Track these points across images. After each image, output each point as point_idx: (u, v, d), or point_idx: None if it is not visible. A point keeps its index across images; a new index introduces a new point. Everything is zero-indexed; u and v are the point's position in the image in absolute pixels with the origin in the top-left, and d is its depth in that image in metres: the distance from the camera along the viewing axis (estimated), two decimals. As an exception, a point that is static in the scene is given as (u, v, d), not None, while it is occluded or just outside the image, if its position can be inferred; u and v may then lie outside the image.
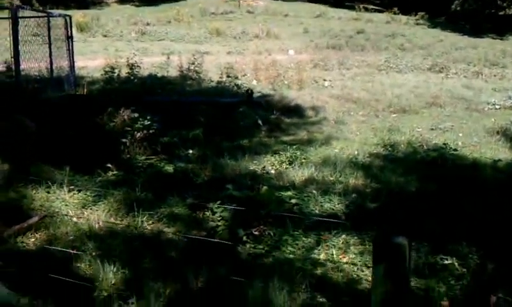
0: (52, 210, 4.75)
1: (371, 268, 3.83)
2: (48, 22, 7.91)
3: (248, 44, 23.56)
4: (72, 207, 4.88)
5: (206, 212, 4.61)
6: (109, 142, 6.14)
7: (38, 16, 8.43)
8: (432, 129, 8.45)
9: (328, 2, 33.95)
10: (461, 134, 8.09)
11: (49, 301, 3.29)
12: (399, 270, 1.83)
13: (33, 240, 4.20)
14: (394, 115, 9.74)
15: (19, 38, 6.60)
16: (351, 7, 32.56)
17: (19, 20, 6.57)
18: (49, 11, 9.82)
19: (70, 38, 8.33)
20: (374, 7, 33.04)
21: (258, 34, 25.80)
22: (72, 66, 8.38)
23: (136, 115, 7.08)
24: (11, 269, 3.54)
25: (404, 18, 29.04)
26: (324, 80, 12.76)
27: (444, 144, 6.74)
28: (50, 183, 5.15)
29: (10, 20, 6.50)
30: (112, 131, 6.44)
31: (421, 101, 10.77)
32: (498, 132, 8.19)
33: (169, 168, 5.85)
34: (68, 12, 29.19)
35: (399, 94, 11.30)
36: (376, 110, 9.99)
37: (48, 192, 5.08)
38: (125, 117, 6.36)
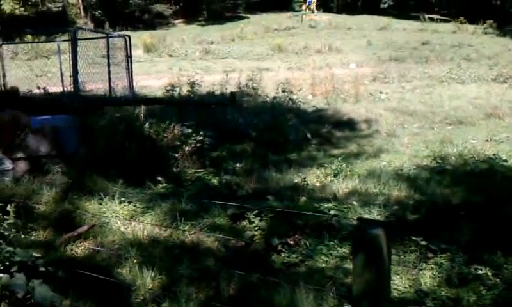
0: (102, 221, 5.06)
1: (399, 276, 3.89)
2: (107, 42, 8.39)
3: (309, 59, 23.65)
4: (121, 218, 5.17)
5: (244, 222, 4.78)
6: (161, 156, 6.45)
7: (97, 38, 8.98)
8: (486, 140, 8.25)
9: (392, 14, 33.57)
10: (517, 146, 7.87)
11: (89, 303, 3.55)
12: (376, 260, 1.90)
13: (82, 248, 4.51)
14: (450, 127, 9.57)
15: (77, 58, 7.07)
16: (416, 18, 32.06)
17: (78, 41, 7.06)
18: (109, 32, 10.37)
19: (129, 57, 8.79)
20: (440, 17, 32.36)
21: (320, 49, 25.89)
22: (130, 85, 8.84)
23: (190, 131, 7.41)
24: (58, 274, 3.83)
25: (471, 27, 28.26)
26: (381, 93, 12.68)
27: (493, 155, 6.59)
28: (102, 195, 5.48)
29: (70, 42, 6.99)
30: (164, 145, 6.74)
31: (479, 112, 10.51)
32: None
33: (215, 181, 6.07)
34: (136, 33, 30.56)
35: (456, 106, 11.07)
36: (432, 123, 9.85)
37: (101, 204, 5.41)
38: (175, 132, 6.65)
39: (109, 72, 8.40)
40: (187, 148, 6.53)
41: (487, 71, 17.60)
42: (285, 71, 20.27)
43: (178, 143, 6.62)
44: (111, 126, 7.26)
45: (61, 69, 9.60)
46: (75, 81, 7.37)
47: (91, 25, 34.46)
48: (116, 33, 10.89)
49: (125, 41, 8.69)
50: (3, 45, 10.61)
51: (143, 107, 7.68)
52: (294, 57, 24.16)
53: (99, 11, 35.81)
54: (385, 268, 1.92)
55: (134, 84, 14.25)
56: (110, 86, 8.67)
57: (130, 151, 6.46)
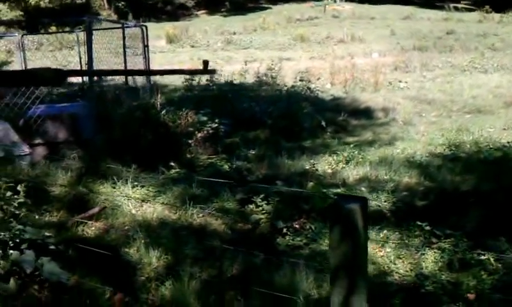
0: (114, 204, 5.19)
1: (402, 260, 3.92)
2: (123, 32, 8.51)
3: (331, 49, 23.56)
4: (133, 201, 5.29)
5: (251, 206, 4.85)
6: (174, 143, 6.55)
7: (113, 27, 9.10)
8: (504, 129, 8.15)
9: (417, 3, 33.17)
10: (534, 134, 7.76)
11: (95, 279, 3.67)
12: (352, 233, 1.96)
13: (92, 228, 4.64)
14: (468, 116, 9.47)
15: (92, 47, 7.21)
16: (441, 8, 31.63)
17: (94, 32, 7.18)
18: (125, 21, 10.49)
19: (146, 46, 8.90)
20: (465, 6, 31.85)
21: (342, 39, 25.77)
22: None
23: (205, 118, 7.52)
24: (67, 252, 3.96)
25: (497, 16, 27.77)
26: (400, 81, 12.59)
27: (508, 143, 6.53)
28: (116, 179, 5.61)
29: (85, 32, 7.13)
30: (178, 132, 6.84)
31: (499, 101, 10.38)
32: None
33: (227, 167, 6.15)
34: (159, 24, 30.73)
35: (476, 94, 10.94)
36: (450, 111, 9.77)
37: (114, 187, 5.53)
38: (189, 119, 6.75)
39: (125, 61, 8.52)
40: (199, 134, 6.62)
41: (511, 61, 17.31)
42: (306, 60, 20.26)
43: (192, 130, 6.71)
44: (127, 113, 7.40)
45: (80, 59, 9.77)
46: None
47: (114, 17, 34.87)
48: (132, 23, 11.01)
49: (142, 30, 8.80)
50: (24, 36, 10.83)
51: (159, 95, 7.76)
52: (316, 47, 24.09)
53: (122, 3, 36.18)
54: (361, 242, 1.97)
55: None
56: (126, 76, 8.80)
57: (145, 137, 6.57)
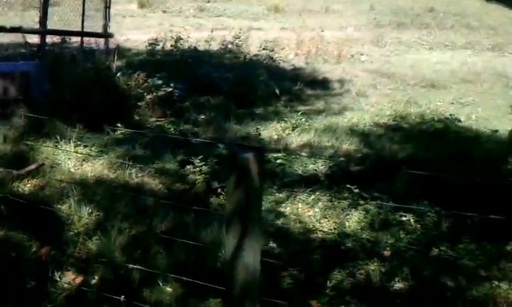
0: (55, 161, 5.22)
1: (327, 220, 4.07)
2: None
3: (304, 21, 23.47)
4: (74, 160, 5.33)
5: (188, 167, 4.95)
6: (124, 104, 6.57)
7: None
8: (452, 103, 8.36)
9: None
10: (480, 109, 7.98)
11: (24, 234, 3.74)
12: (245, 181, 2.05)
13: (29, 185, 4.68)
14: (423, 90, 9.67)
15: (47, 7, 7.14)
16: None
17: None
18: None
19: (107, 8, 8.79)
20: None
21: (319, 11, 25.67)
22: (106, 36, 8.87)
23: (160, 82, 7.55)
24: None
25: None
26: (361, 54, 12.71)
27: (450, 115, 6.72)
28: (58, 138, 5.63)
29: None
30: (130, 95, 6.86)
31: (457, 77, 10.60)
32: (521, 107, 8.04)
33: (174, 129, 6.22)
34: (132, -12, 29.89)
35: (438, 70, 11.15)
36: (406, 85, 9.95)
37: (56, 146, 5.56)
38: (140, 80, 6.77)
39: (83, 22, 8.44)
40: (148, 96, 6.66)
41: (482, 40, 17.57)
42: (277, 31, 20.19)
43: (140, 91, 6.73)
44: (80, 74, 7.38)
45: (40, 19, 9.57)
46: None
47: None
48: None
49: (103, -10, 8.69)
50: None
51: (115, 57, 7.74)
52: (289, 18, 23.93)
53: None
54: (254, 190, 2.07)
55: (119, 37, 14.32)
56: (82, 36, 8.73)
57: (95, 98, 6.57)
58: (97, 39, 8.96)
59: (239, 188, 2.10)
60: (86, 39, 9.31)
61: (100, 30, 8.90)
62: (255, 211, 2.17)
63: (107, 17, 9.14)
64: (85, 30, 8.59)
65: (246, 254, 2.12)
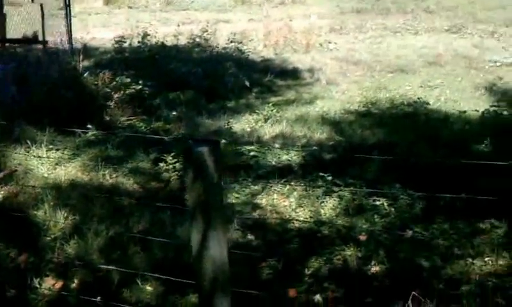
0: (27, 167, 5.17)
1: (303, 208, 4.11)
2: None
3: (271, 11, 23.45)
4: (47, 164, 5.28)
5: (161, 164, 4.95)
6: (93, 105, 6.52)
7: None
8: (421, 86, 8.50)
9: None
10: (448, 91, 8.12)
11: (4, 242, 3.71)
12: (203, 174, 2.07)
13: (2, 192, 4.63)
14: (391, 75, 9.77)
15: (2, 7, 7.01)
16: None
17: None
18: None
19: (67, 6, 8.67)
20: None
21: (283, 1, 25.71)
22: (69, 36, 8.76)
23: (129, 80, 7.50)
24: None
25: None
26: (329, 42, 12.80)
27: (418, 98, 6.84)
28: (29, 143, 5.56)
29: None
30: (98, 94, 6.80)
31: (422, 61, 10.73)
32: (486, 88, 8.20)
33: (144, 128, 6.20)
34: (96, -14, 29.46)
35: (402, 54, 11.28)
36: (374, 71, 10.04)
37: (28, 152, 5.50)
38: (106, 79, 6.72)
39: (43, 22, 8.31)
40: (116, 95, 6.62)
41: (442, 22, 17.81)
42: (245, 22, 20.18)
43: (108, 91, 6.68)
44: (46, 76, 7.28)
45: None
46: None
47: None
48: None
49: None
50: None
51: (81, 57, 7.64)
52: (256, 9, 23.94)
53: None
54: (212, 182, 2.09)
55: (84, 35, 14.15)
56: (44, 38, 8.60)
57: (63, 100, 6.50)
58: (62, 39, 8.85)
59: (197, 182, 2.11)
60: (50, 40, 9.20)
61: (64, 29, 8.80)
62: (216, 203, 2.18)
63: (68, 16, 9.03)
64: (47, 30, 8.48)
65: (212, 247, 2.13)
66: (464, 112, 6.52)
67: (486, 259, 3.51)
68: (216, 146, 2.09)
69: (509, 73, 9.57)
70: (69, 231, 3.94)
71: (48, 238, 3.87)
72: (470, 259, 3.51)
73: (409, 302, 2.85)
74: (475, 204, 4.02)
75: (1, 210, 4.25)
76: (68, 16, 8.56)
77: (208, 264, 2.15)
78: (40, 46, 8.74)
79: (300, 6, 24.64)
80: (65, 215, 4.12)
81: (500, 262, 3.47)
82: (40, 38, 8.89)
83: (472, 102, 7.41)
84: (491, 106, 6.33)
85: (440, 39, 14.03)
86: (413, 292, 2.88)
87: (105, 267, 3.38)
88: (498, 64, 10.43)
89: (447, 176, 4.45)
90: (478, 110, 6.55)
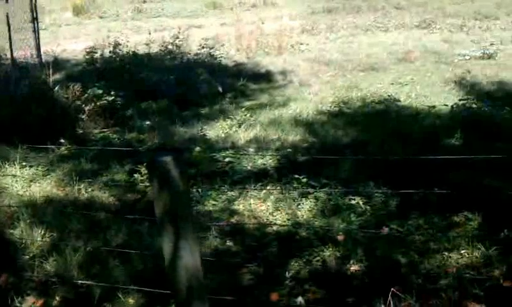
0: (2, 186, 5.11)
1: (280, 212, 4.14)
2: (7, 2, 8.13)
3: (243, 14, 23.45)
4: (21, 182, 5.22)
5: (136, 175, 4.94)
6: (65, 119, 6.47)
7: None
8: (392, 84, 8.62)
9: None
10: (418, 87, 8.25)
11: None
12: (168, 184, 2.09)
13: (-24, 213, 4.57)
14: (362, 73, 9.90)
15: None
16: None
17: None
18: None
19: (35, 19, 8.58)
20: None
21: (255, 4, 25.76)
22: (38, 49, 8.68)
23: (100, 91, 7.45)
24: None
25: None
26: (301, 44, 12.89)
27: (388, 96, 6.95)
28: (1, 163, 5.50)
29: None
30: (69, 107, 6.75)
31: (392, 58, 10.90)
32: (455, 82, 8.36)
33: (118, 139, 6.17)
34: (65, -5, 29.14)
35: (372, 53, 11.42)
36: (345, 70, 10.15)
37: (0, 170, 5.44)
38: (76, 92, 6.68)
39: (10, 37, 8.21)
40: (87, 107, 6.58)
41: (412, 18, 18.07)
42: (217, 27, 20.17)
43: (80, 103, 6.64)
44: (16, 92, 7.21)
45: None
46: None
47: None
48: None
49: (30, 1, 8.45)
50: None
51: (51, 70, 7.57)
52: (228, 13, 23.90)
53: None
54: (179, 191, 2.11)
55: (54, 48, 14.00)
56: (12, 52, 8.50)
57: (34, 115, 6.44)
58: (31, 53, 8.76)
59: (163, 192, 2.13)
60: (20, 53, 9.10)
61: (33, 43, 8.71)
62: (184, 211, 2.20)
63: (36, 29, 8.93)
64: (17, 44, 8.39)
65: (184, 255, 2.15)
66: (434, 107, 6.64)
67: (462, 251, 3.57)
68: (179, 155, 2.11)
69: (477, 66, 9.78)
70: (47, 248, 3.91)
71: (27, 257, 3.84)
72: (447, 253, 3.57)
73: (389, 298, 2.90)
74: (448, 198, 4.14)
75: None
76: (36, 29, 8.47)
77: (182, 272, 2.17)
78: (8, 61, 8.63)
79: (272, 8, 24.76)
80: (42, 232, 4.08)
81: (476, 254, 3.53)
82: (7, 52, 8.77)
83: (442, 97, 7.55)
84: (460, 100, 6.45)
85: (410, 36, 14.25)
86: (392, 289, 2.93)
87: (86, 282, 3.36)
88: (467, 57, 10.64)
89: (418, 172, 4.53)
90: (447, 105, 6.68)
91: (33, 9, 8.54)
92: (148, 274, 3.43)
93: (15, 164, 5.49)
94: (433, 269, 3.42)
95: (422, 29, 15.80)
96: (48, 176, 5.30)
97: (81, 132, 6.39)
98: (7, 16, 8.03)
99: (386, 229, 3.89)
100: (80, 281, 3.39)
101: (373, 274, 3.39)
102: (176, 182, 2.07)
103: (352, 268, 3.51)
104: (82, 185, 4.90)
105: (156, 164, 2.07)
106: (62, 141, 6.00)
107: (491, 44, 11.54)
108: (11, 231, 4.21)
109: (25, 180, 5.26)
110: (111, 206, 4.63)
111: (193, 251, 2.17)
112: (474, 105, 6.26)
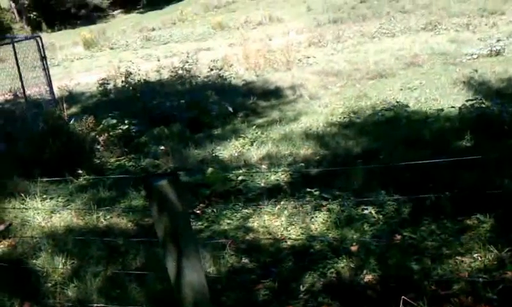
0: (23, 219, 5.27)
1: (294, 226, 4.21)
2: (13, 47, 8.38)
3: (250, 33, 23.73)
4: (43, 214, 5.37)
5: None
6: (81, 150, 6.62)
7: (3, 43, 8.97)
8: (401, 89, 8.65)
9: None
10: (427, 90, 8.27)
11: (3, 293, 3.80)
12: (166, 206, 2.18)
13: (1, 246, 4.72)
14: (371, 81, 9.95)
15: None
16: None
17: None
18: (15, 35, 10.23)
19: (44, 58, 8.82)
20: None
21: (261, 21, 26.00)
22: (50, 86, 8.91)
23: (115, 121, 7.63)
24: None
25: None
26: (308, 57, 12.99)
27: (397, 102, 6.99)
28: (23, 196, 5.66)
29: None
30: (85, 139, 6.92)
31: (400, 63, 10.92)
32: (464, 82, 8.36)
33: (133, 166, 6.31)
34: (76, 30, 29.87)
35: (379, 60, 11.46)
36: (354, 80, 10.21)
37: (23, 204, 5.60)
38: (89, 124, 6.85)
39: (21, 77, 8.43)
40: (101, 138, 6.75)
41: (417, 21, 18.06)
42: (225, 48, 20.39)
43: (95, 134, 6.81)
44: (33, 128, 7.42)
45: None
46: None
47: (28, 29, 33.82)
48: (23, 35, 10.73)
49: (36, 42, 8.70)
50: None
51: (64, 105, 7.78)
52: (235, 33, 24.18)
53: (34, 13, 35.10)
54: (177, 211, 2.19)
55: (68, 82, 14.30)
56: (24, 92, 8.72)
57: (52, 149, 6.61)
58: (46, 89, 9.00)
59: (163, 215, 2.21)
60: (34, 90, 9.36)
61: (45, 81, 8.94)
62: (185, 231, 2.27)
63: (46, 67, 9.18)
64: (30, 82, 8.63)
65: (188, 274, 2.23)
66: (442, 110, 6.66)
67: (475, 255, 3.58)
68: (174, 178, 2.20)
69: (486, 64, 9.76)
70: (68, 275, 4.04)
71: (49, 285, 3.96)
72: (459, 257, 3.57)
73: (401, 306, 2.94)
74: (460, 201, 4.16)
75: (1, 262, 4.34)
76: (45, 67, 8.71)
77: (188, 291, 2.25)
78: (23, 99, 8.87)
79: (278, 24, 24.95)
80: (63, 260, 4.21)
81: (488, 257, 3.52)
82: (19, 92, 9.03)
83: (451, 98, 7.56)
84: (467, 100, 6.46)
85: (417, 39, 14.26)
86: (403, 297, 2.97)
87: (106, 306, 3.46)
88: (474, 56, 10.63)
89: (429, 177, 4.57)
90: (454, 107, 6.70)
91: (40, 49, 8.79)
92: (165, 294, 3.51)
93: (35, 197, 5.66)
94: (446, 274, 3.43)
95: (428, 31, 15.79)
96: (68, 207, 5.44)
97: (98, 161, 6.53)
98: (15, 57, 8.27)
99: (399, 237, 3.92)
100: (100, 305, 3.49)
101: (386, 282, 3.42)
102: (175, 203, 2.16)
103: (366, 278, 3.54)
104: (100, 213, 5.03)
105: (153, 188, 2.16)
106: (80, 171, 6.16)
107: (498, 40, 11.49)
108: (34, 261, 4.35)
109: (46, 212, 5.41)
110: (129, 231, 4.74)
111: (197, 269, 2.25)
112: (483, 105, 6.26)
